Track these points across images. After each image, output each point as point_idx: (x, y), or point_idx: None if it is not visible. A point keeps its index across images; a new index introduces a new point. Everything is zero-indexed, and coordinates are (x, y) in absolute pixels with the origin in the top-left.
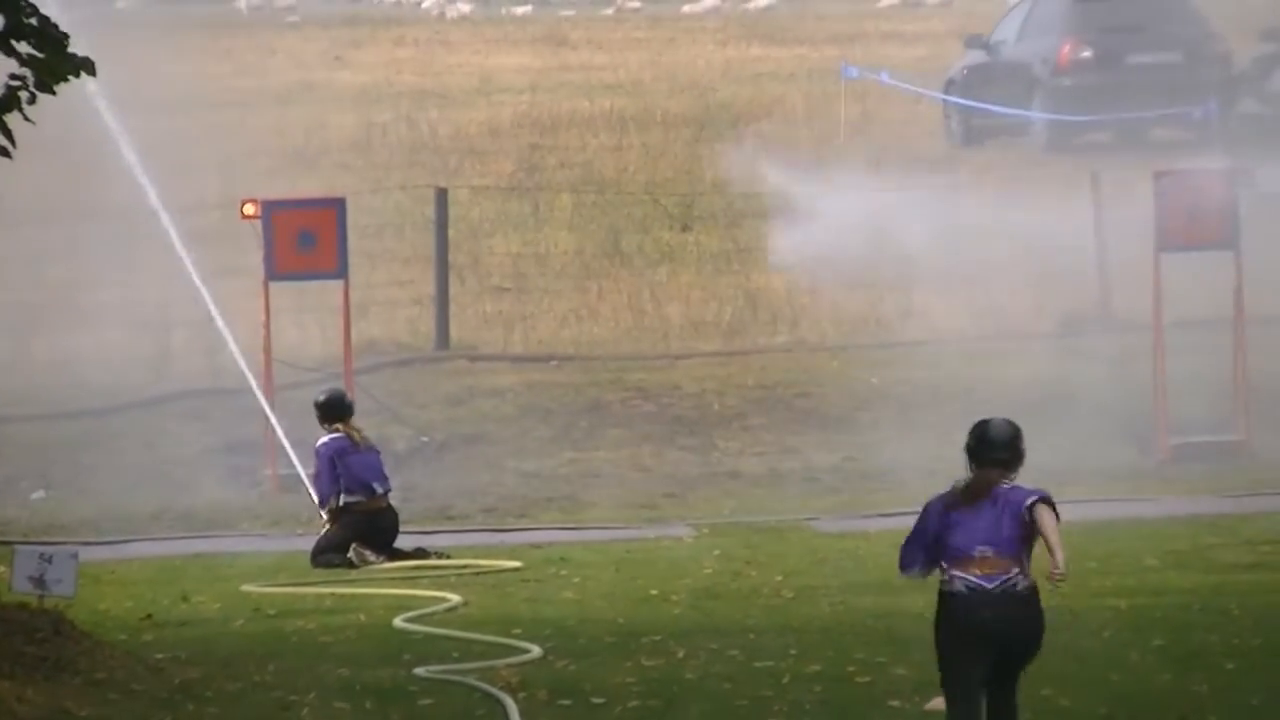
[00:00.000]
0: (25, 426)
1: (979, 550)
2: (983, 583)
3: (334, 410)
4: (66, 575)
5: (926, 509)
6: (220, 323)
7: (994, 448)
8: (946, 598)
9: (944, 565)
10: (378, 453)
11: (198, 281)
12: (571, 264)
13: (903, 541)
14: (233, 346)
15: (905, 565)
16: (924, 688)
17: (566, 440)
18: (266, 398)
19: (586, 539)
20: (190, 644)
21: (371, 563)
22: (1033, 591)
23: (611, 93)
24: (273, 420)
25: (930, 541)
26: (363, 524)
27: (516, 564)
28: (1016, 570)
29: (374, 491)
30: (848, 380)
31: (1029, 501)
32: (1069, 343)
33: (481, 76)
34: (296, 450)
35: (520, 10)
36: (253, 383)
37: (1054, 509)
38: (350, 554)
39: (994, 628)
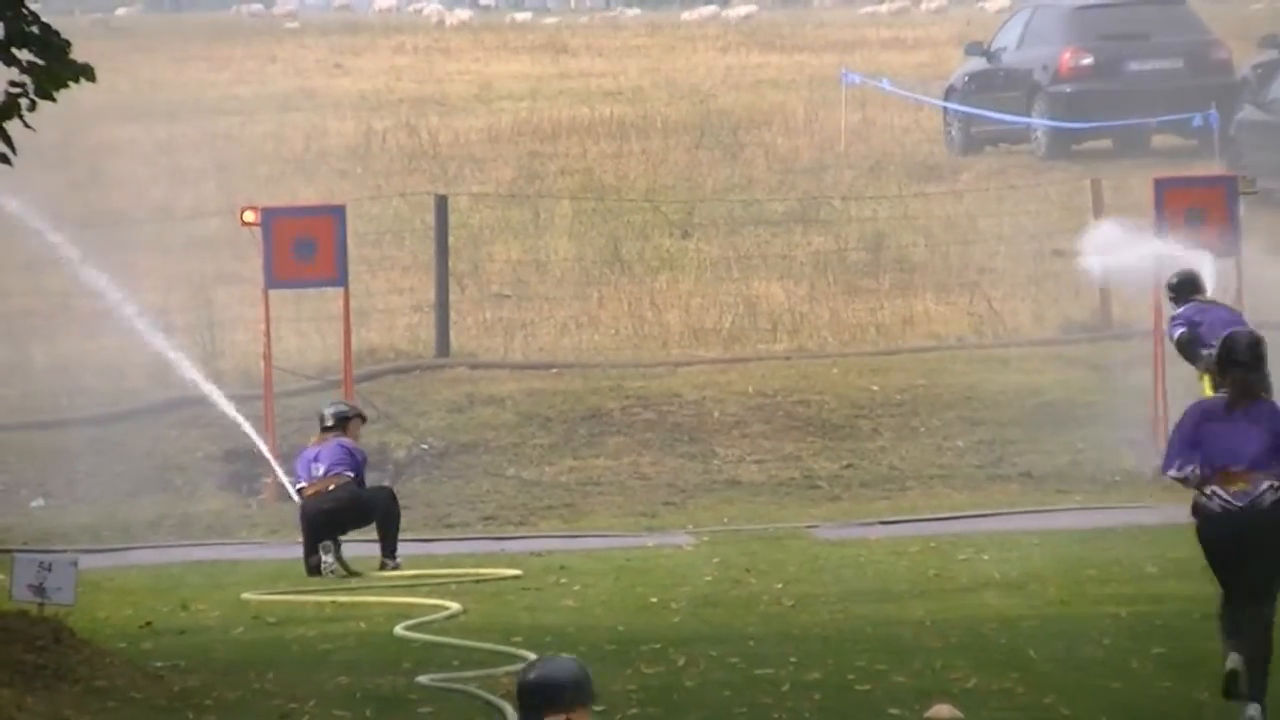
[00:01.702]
0: (24, 434)
1: (1237, 466)
2: (1234, 501)
3: (322, 424)
4: (66, 583)
5: (1184, 415)
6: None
7: (1237, 353)
8: (1202, 511)
9: (1203, 477)
10: (344, 447)
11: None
12: (571, 271)
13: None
14: (187, 361)
15: (1166, 465)
16: (924, 696)
17: (566, 448)
18: (266, 405)
19: (586, 547)
20: (190, 652)
21: (334, 568)
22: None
23: (611, 100)
24: (247, 428)
25: (1191, 444)
26: (308, 507)
27: (516, 572)
28: (1267, 484)
29: (311, 474)
30: (848, 388)
31: None
32: (1069, 349)
33: (481, 84)
34: (293, 461)
35: (519, 18)
36: (218, 396)
37: None
38: (322, 567)
39: (1243, 541)
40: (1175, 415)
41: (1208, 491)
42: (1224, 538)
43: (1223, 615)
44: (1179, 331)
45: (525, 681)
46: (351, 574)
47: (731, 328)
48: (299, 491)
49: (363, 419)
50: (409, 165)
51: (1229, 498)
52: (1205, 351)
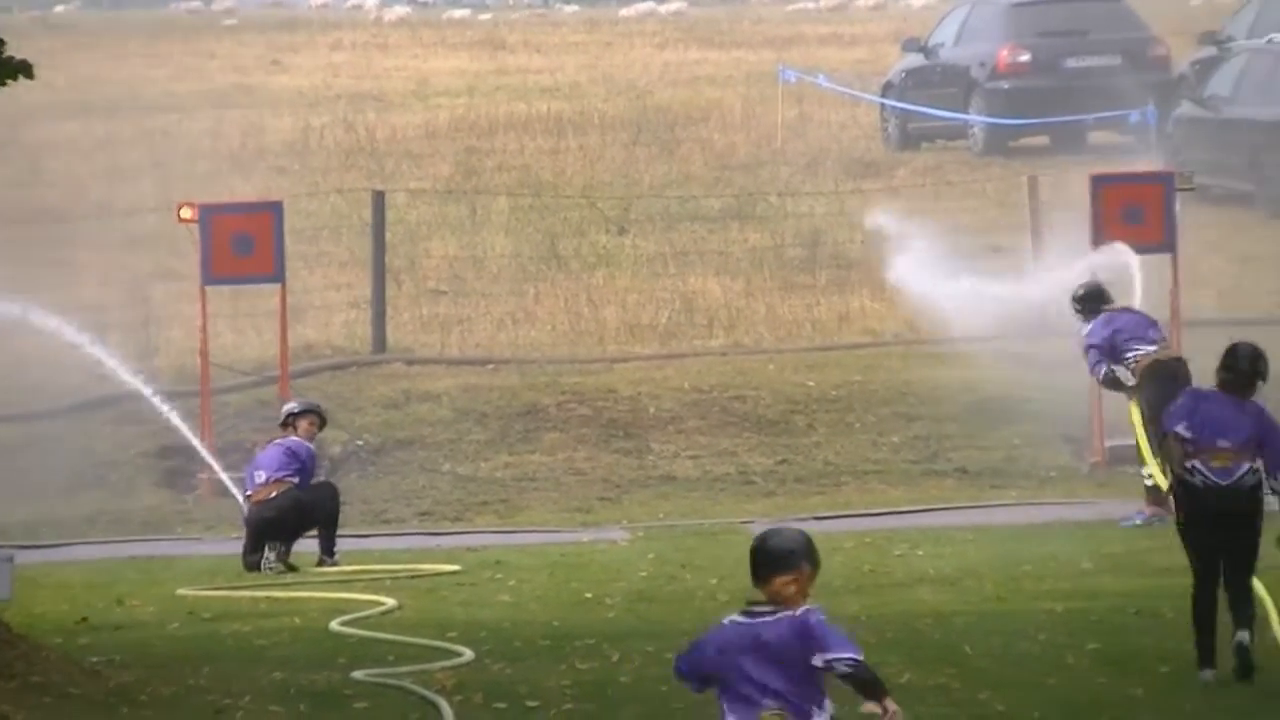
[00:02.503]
0: None
1: (1224, 443)
2: (1216, 477)
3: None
4: (2, 579)
5: (1186, 393)
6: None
7: (1239, 362)
8: (1184, 485)
9: (1186, 451)
10: (283, 448)
11: None
12: (508, 267)
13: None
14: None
15: (1171, 423)
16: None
17: (502, 444)
18: (203, 402)
19: (522, 542)
20: (126, 647)
21: (273, 565)
22: (1258, 485)
23: (548, 96)
24: (176, 421)
25: (1191, 413)
26: (251, 514)
27: (455, 567)
28: (1248, 466)
29: (254, 481)
30: (783, 384)
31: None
32: (1005, 346)
33: (418, 80)
34: (229, 456)
35: (457, 14)
36: (145, 391)
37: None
38: (263, 564)
39: (1224, 517)
40: (1110, 411)
41: (1189, 466)
42: (1206, 512)
43: (1196, 602)
44: (1102, 370)
45: (756, 548)
46: (290, 569)
47: (668, 324)
48: (246, 499)
49: (318, 418)
50: (346, 161)
51: (1210, 474)
52: (1127, 364)
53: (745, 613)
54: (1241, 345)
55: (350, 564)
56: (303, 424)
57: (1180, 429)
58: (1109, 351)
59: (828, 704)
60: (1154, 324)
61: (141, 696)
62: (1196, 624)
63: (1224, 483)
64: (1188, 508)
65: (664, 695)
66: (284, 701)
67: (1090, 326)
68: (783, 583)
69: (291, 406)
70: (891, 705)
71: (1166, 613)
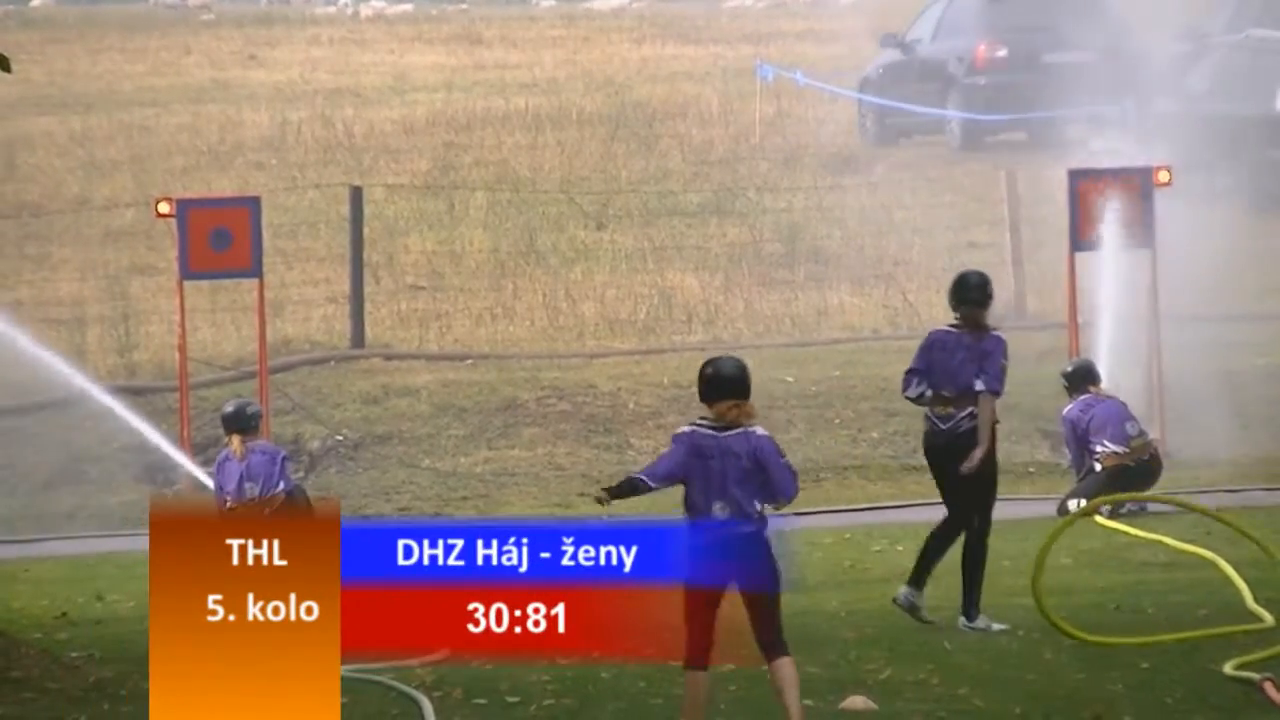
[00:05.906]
0: None
1: (949, 391)
2: (939, 423)
3: (228, 423)
4: None
5: (923, 342)
6: None
7: (968, 290)
8: (925, 430)
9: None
10: (268, 456)
11: None
12: (487, 263)
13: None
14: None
15: (904, 387)
16: (839, 687)
17: (481, 439)
18: (181, 397)
19: None
20: (105, 642)
21: None
22: (973, 432)
23: (526, 91)
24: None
25: (923, 369)
26: None
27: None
28: (965, 413)
29: (243, 493)
30: (762, 379)
31: (980, 387)
32: None
33: (396, 75)
34: (208, 452)
35: (432, 10)
36: (106, 396)
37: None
38: None
39: (944, 461)
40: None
41: (927, 414)
42: (931, 456)
43: (933, 535)
44: (1069, 455)
45: (703, 374)
46: None
47: (646, 319)
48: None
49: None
50: (324, 156)
51: (936, 420)
52: (1094, 458)
53: (707, 426)
54: (970, 273)
55: None
56: (235, 440)
57: (909, 393)
58: (1077, 437)
59: (761, 507)
60: (1130, 418)
61: (121, 691)
62: (923, 549)
63: (944, 426)
64: (925, 450)
65: (643, 691)
66: None
67: (1071, 404)
68: (727, 406)
69: (248, 412)
70: None
71: (1146, 608)
